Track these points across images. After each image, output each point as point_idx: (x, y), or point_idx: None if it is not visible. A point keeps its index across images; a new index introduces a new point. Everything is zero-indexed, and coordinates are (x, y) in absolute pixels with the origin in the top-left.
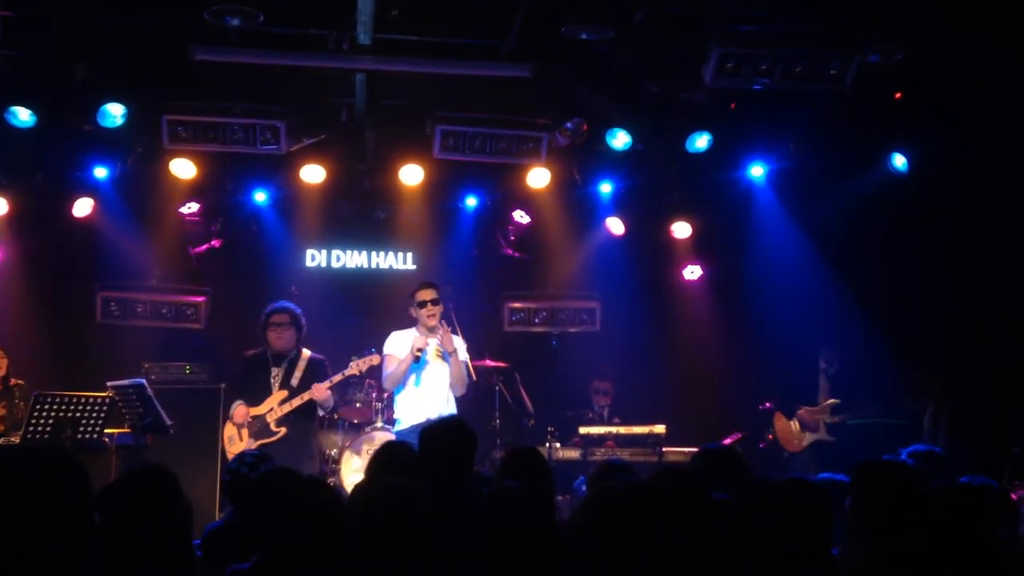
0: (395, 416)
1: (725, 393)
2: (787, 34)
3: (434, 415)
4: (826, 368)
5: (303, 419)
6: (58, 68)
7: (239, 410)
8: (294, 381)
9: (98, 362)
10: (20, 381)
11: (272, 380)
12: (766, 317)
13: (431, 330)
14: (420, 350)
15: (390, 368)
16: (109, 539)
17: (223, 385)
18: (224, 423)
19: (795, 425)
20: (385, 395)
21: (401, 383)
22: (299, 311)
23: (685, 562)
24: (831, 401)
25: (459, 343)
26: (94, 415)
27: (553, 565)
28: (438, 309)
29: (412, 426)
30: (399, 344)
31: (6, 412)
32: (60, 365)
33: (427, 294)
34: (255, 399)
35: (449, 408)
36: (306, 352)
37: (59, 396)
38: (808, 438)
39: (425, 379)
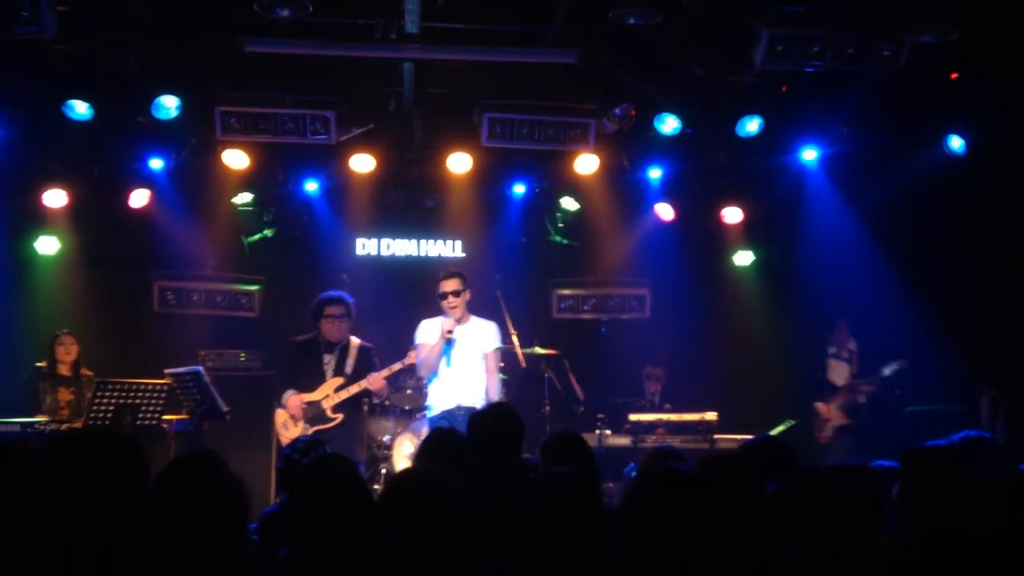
0: (427, 403)
1: (777, 380)
2: (838, 14)
3: (465, 401)
4: (837, 352)
5: (355, 406)
6: (113, 62)
7: (292, 399)
8: (348, 369)
9: (156, 349)
10: (89, 372)
11: (325, 367)
12: (819, 303)
13: (457, 320)
14: (450, 331)
15: (422, 355)
16: (164, 521)
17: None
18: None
19: (818, 420)
20: None
21: (434, 369)
22: (352, 301)
23: (732, 548)
24: (848, 384)
25: (490, 331)
26: (153, 402)
27: (599, 549)
28: (459, 301)
29: (443, 411)
30: (428, 331)
31: (73, 398)
32: (119, 352)
33: (446, 285)
34: (308, 385)
35: (479, 393)
36: (355, 340)
37: (120, 383)
38: (829, 428)
39: (454, 365)
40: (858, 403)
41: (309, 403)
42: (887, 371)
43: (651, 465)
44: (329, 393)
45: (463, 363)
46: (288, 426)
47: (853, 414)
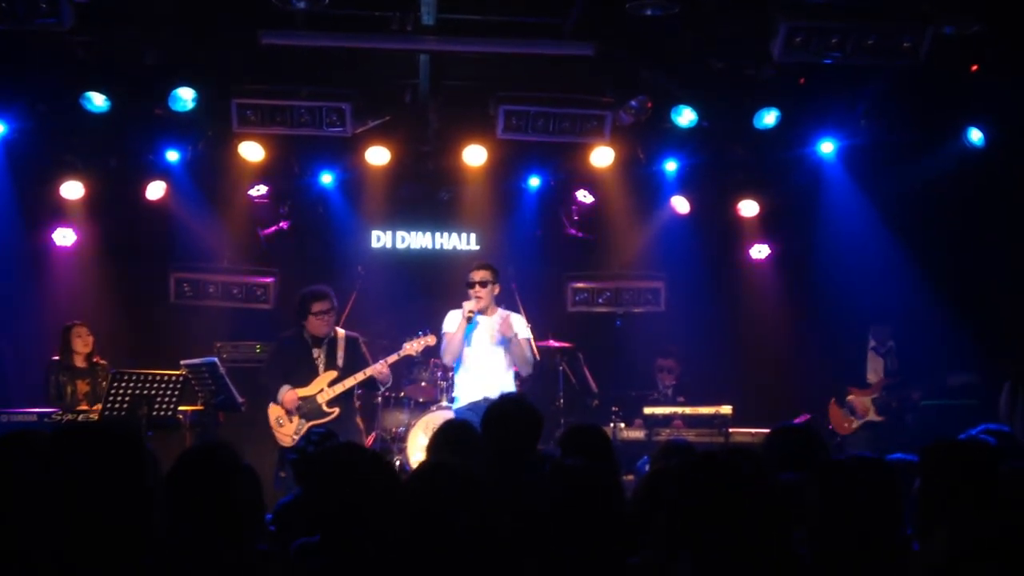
0: (453, 394)
1: (793, 374)
2: (858, 6)
3: (491, 393)
4: (876, 346)
5: (349, 399)
6: (130, 54)
7: (288, 394)
8: (339, 361)
9: (172, 341)
10: (103, 361)
11: (316, 361)
12: (835, 297)
13: (480, 311)
14: (472, 311)
15: (445, 341)
16: (177, 512)
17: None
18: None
19: (846, 409)
20: (450, 374)
21: (459, 355)
22: (332, 293)
23: (745, 540)
24: (883, 382)
25: (520, 323)
26: (168, 393)
27: (613, 541)
28: (486, 291)
29: (470, 403)
30: (453, 320)
31: (90, 389)
32: (135, 344)
33: (475, 275)
34: (301, 381)
35: (506, 387)
36: (340, 331)
37: (136, 374)
38: (857, 421)
39: (482, 358)
40: (893, 404)
41: (304, 398)
42: (954, 381)
43: (664, 459)
44: (323, 387)
45: (490, 355)
46: (283, 422)
47: (887, 412)
